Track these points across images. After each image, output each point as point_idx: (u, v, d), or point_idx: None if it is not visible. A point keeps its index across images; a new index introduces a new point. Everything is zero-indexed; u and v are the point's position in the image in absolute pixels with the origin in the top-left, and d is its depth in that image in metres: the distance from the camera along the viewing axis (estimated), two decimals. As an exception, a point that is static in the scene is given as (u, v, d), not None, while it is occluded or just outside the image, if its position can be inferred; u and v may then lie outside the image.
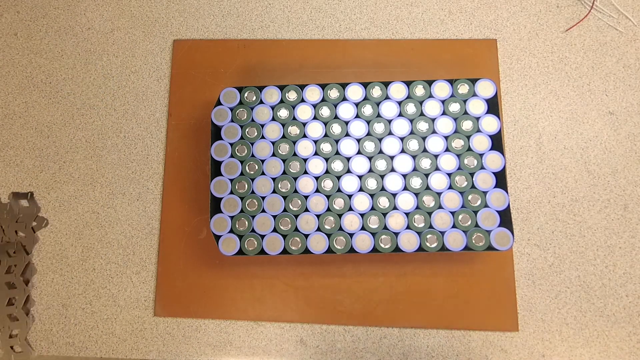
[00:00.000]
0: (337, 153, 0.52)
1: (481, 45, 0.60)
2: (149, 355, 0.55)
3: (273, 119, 0.53)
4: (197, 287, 0.56)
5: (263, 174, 0.51)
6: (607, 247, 0.55)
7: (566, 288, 0.54)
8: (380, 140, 0.52)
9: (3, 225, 0.58)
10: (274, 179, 0.51)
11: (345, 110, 0.52)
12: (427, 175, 0.50)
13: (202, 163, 0.58)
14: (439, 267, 0.55)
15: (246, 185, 0.51)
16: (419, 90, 0.52)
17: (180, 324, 0.56)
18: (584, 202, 0.56)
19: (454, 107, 0.52)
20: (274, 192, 0.51)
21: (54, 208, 0.59)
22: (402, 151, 0.51)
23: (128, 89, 0.62)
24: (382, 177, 0.51)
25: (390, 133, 0.52)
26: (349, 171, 0.51)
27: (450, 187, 0.50)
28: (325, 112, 0.52)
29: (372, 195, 0.50)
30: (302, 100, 0.53)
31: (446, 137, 0.51)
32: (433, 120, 0.52)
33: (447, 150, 0.51)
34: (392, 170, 0.51)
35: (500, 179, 0.50)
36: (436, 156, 0.51)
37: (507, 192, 0.49)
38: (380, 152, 0.52)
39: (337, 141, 0.52)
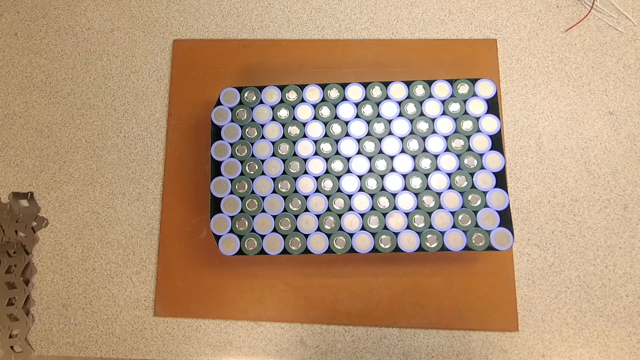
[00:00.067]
0: (337, 153, 0.52)
1: (481, 45, 0.60)
2: (149, 355, 0.55)
3: (273, 119, 0.53)
4: (197, 287, 0.56)
5: (263, 174, 0.51)
6: (607, 247, 0.55)
7: (566, 288, 0.54)
8: (380, 140, 0.52)
9: (3, 225, 0.58)
10: (274, 179, 0.51)
11: (345, 110, 0.52)
12: (427, 175, 0.51)
13: (202, 163, 0.58)
14: (439, 267, 0.55)
15: (246, 185, 0.51)
16: (419, 90, 0.52)
17: (180, 324, 0.56)
18: (584, 202, 0.56)
19: (454, 107, 0.52)
20: (274, 192, 0.51)
21: (54, 208, 0.59)
22: (402, 151, 0.51)
23: (128, 89, 0.62)
24: (382, 177, 0.51)
25: (390, 133, 0.52)
26: (349, 171, 0.51)
27: (450, 187, 0.50)
28: (325, 112, 0.52)
29: (372, 195, 0.50)
30: (302, 100, 0.53)
31: (446, 137, 0.51)
32: (433, 120, 0.52)
33: (447, 150, 0.51)
34: (392, 170, 0.51)
35: (500, 179, 0.50)
36: (436, 156, 0.51)
37: (507, 192, 0.49)
38: (380, 152, 0.52)
39: (337, 141, 0.52)
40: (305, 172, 0.51)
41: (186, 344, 0.55)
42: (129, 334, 0.56)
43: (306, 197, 0.51)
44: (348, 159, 0.52)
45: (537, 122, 0.58)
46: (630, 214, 0.55)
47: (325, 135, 0.52)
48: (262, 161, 0.52)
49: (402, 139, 0.52)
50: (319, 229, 0.50)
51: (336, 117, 0.52)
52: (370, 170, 0.51)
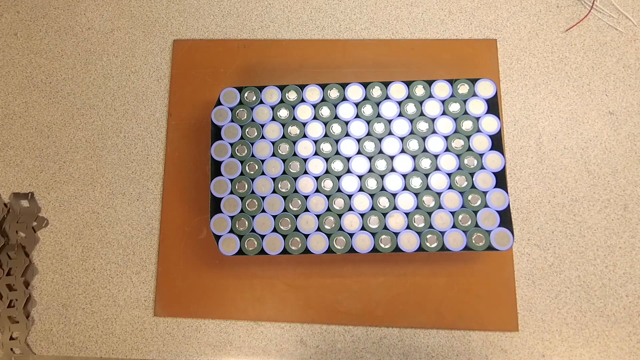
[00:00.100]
0: (337, 153, 0.52)
1: (481, 45, 0.60)
2: (149, 355, 0.55)
3: (273, 119, 0.53)
4: (197, 287, 0.56)
5: (263, 174, 0.51)
6: (607, 247, 0.55)
7: (566, 288, 0.54)
8: (380, 140, 0.52)
9: (4, 226, 0.58)
10: (274, 179, 0.51)
11: (345, 110, 0.52)
12: (427, 175, 0.51)
13: (202, 163, 0.58)
14: (439, 267, 0.55)
15: (246, 185, 0.51)
16: (419, 90, 0.52)
17: (180, 324, 0.56)
18: (584, 202, 0.56)
19: (454, 107, 0.52)
20: (274, 192, 0.51)
21: (54, 208, 0.59)
22: (402, 151, 0.51)
23: (128, 89, 0.62)
24: (382, 177, 0.51)
25: (390, 133, 0.52)
26: (349, 171, 0.51)
27: (450, 187, 0.50)
28: (325, 112, 0.52)
29: (372, 195, 0.50)
30: (302, 100, 0.53)
31: (446, 137, 0.51)
32: (433, 120, 0.52)
33: (447, 150, 0.51)
34: (392, 170, 0.51)
35: (500, 179, 0.50)
36: (436, 156, 0.51)
37: (507, 192, 0.49)
38: (380, 152, 0.52)
39: (337, 141, 0.52)
40: (305, 172, 0.51)
41: (186, 344, 0.55)
42: (129, 334, 0.56)
43: (306, 197, 0.51)
44: (348, 159, 0.52)
45: (537, 122, 0.58)
46: (630, 214, 0.55)
47: (325, 135, 0.52)
48: (262, 161, 0.52)
49: (402, 139, 0.52)
50: (319, 229, 0.50)
51: (336, 117, 0.52)
52: (370, 170, 0.51)
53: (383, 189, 0.51)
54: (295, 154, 0.52)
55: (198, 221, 0.57)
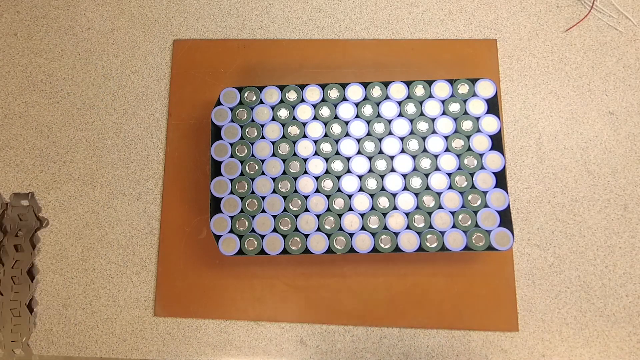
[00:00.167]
0: (337, 153, 0.52)
1: (481, 45, 0.60)
2: (149, 355, 0.55)
3: (273, 119, 0.53)
4: (197, 287, 0.56)
5: (263, 174, 0.52)
6: (607, 247, 0.55)
7: (566, 288, 0.54)
8: (380, 140, 0.52)
9: (4, 225, 0.58)
10: (274, 179, 0.51)
11: (345, 110, 0.52)
12: (427, 175, 0.51)
13: (202, 163, 0.58)
14: (439, 267, 0.55)
15: (246, 185, 0.51)
16: (419, 90, 0.52)
17: (180, 324, 0.56)
18: (584, 202, 0.56)
19: (454, 107, 0.52)
20: (274, 192, 0.51)
21: (54, 208, 0.59)
22: (402, 151, 0.51)
23: (128, 89, 0.62)
24: (382, 177, 0.51)
25: (390, 133, 0.52)
26: (349, 171, 0.51)
27: (450, 187, 0.50)
28: (325, 112, 0.52)
29: (372, 195, 0.50)
30: (302, 100, 0.53)
31: (446, 137, 0.51)
32: (433, 120, 0.52)
33: (447, 150, 0.51)
34: (392, 170, 0.51)
35: (500, 179, 0.50)
36: (436, 156, 0.51)
37: (507, 192, 0.49)
38: (380, 152, 0.52)
39: (337, 141, 0.52)
40: (305, 172, 0.51)
41: (186, 344, 0.55)
42: (129, 334, 0.56)
43: (306, 197, 0.51)
44: (348, 159, 0.52)
45: (537, 122, 0.58)
46: (630, 214, 0.55)
47: (325, 135, 0.52)
48: (262, 161, 0.52)
49: (402, 139, 0.52)
50: (319, 229, 0.50)
51: (336, 117, 0.53)
52: (370, 170, 0.51)
53: (383, 189, 0.51)
54: (295, 154, 0.52)
55: (198, 221, 0.57)
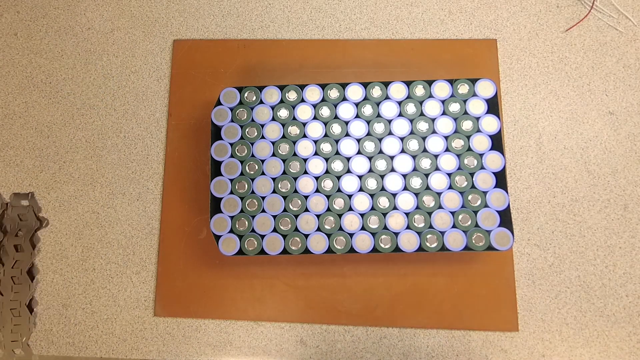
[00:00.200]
0: (337, 153, 0.52)
1: (481, 45, 0.60)
2: (149, 355, 0.55)
3: (273, 119, 0.53)
4: (197, 287, 0.56)
5: (263, 174, 0.52)
6: (607, 247, 0.55)
7: (566, 288, 0.54)
8: (380, 140, 0.52)
9: (4, 225, 0.58)
10: (274, 179, 0.51)
11: (345, 110, 0.52)
12: (427, 175, 0.51)
13: (202, 163, 0.59)
14: (439, 267, 0.55)
15: (246, 185, 0.51)
16: (419, 90, 0.52)
17: (180, 324, 0.56)
18: (584, 202, 0.56)
19: (454, 107, 0.52)
20: (274, 192, 0.51)
21: (54, 208, 0.59)
22: (402, 151, 0.51)
23: (128, 89, 0.62)
24: (382, 177, 0.51)
25: (390, 133, 0.52)
26: (349, 171, 0.51)
27: (450, 187, 0.50)
28: (325, 112, 0.52)
29: (372, 195, 0.50)
30: (302, 100, 0.53)
31: (446, 137, 0.51)
32: (433, 120, 0.52)
33: (447, 150, 0.51)
34: (392, 170, 0.51)
35: (500, 179, 0.50)
36: (436, 156, 0.51)
37: (507, 192, 0.49)
38: (380, 152, 0.52)
39: (337, 141, 0.52)
40: (305, 172, 0.51)
41: (186, 344, 0.55)
42: (129, 334, 0.56)
43: (306, 197, 0.51)
44: (348, 159, 0.52)
45: (537, 122, 0.58)
46: (630, 214, 0.55)
47: (325, 135, 0.52)
48: (262, 161, 0.52)
49: (402, 139, 0.52)
50: (319, 229, 0.50)
51: (336, 117, 0.53)
52: (370, 170, 0.51)
53: (383, 189, 0.51)
54: (295, 154, 0.52)
55: (198, 221, 0.57)
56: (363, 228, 0.50)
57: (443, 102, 0.52)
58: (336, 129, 0.52)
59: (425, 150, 0.51)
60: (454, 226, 0.49)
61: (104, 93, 0.62)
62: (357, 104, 0.53)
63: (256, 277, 0.55)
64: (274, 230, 0.50)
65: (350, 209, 0.50)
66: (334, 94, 0.53)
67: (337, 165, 0.51)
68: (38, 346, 0.56)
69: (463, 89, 0.52)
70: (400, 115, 0.52)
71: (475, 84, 0.52)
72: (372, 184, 0.51)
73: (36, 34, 0.64)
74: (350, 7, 0.62)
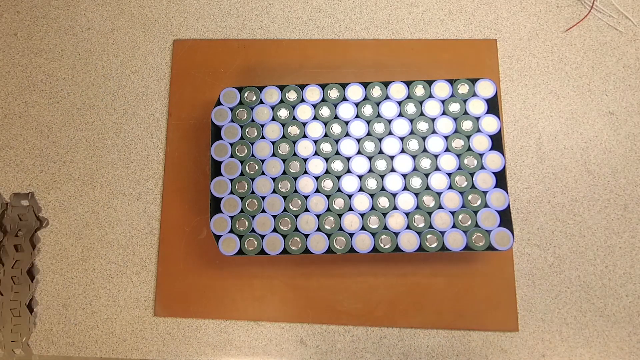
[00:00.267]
0: (337, 153, 0.52)
1: (481, 45, 0.60)
2: (149, 355, 0.55)
3: (273, 119, 0.53)
4: (197, 287, 0.56)
5: (263, 174, 0.52)
6: (607, 247, 0.55)
7: (566, 288, 0.54)
8: (380, 140, 0.52)
9: (5, 225, 0.58)
10: (274, 179, 0.51)
11: (345, 110, 0.52)
12: (427, 175, 0.51)
13: (202, 163, 0.58)
14: (439, 267, 0.55)
15: (246, 185, 0.51)
16: (419, 90, 0.52)
17: (180, 324, 0.56)
18: (584, 202, 0.56)
19: (454, 107, 0.52)
20: (274, 192, 0.51)
21: (54, 208, 0.59)
22: (402, 151, 0.51)
23: (128, 89, 0.62)
24: (382, 177, 0.51)
25: (390, 133, 0.52)
26: (349, 171, 0.51)
27: (450, 187, 0.50)
28: (325, 112, 0.52)
29: (372, 195, 0.50)
30: (302, 100, 0.53)
31: (446, 137, 0.51)
32: (433, 120, 0.52)
33: (447, 150, 0.51)
34: (392, 170, 0.51)
35: (500, 179, 0.50)
36: (436, 156, 0.51)
37: (507, 192, 0.49)
38: (380, 152, 0.52)
39: (337, 141, 0.52)
40: (305, 172, 0.51)
41: (186, 344, 0.55)
42: (129, 334, 0.56)
43: (306, 197, 0.51)
44: (348, 159, 0.52)
45: (537, 122, 0.58)
46: (630, 214, 0.55)
47: (325, 135, 0.52)
48: (262, 161, 0.52)
49: (402, 139, 0.52)
50: (319, 229, 0.50)
51: (336, 117, 0.53)
52: (370, 170, 0.51)
53: (383, 189, 0.51)
54: (295, 154, 0.52)
55: (198, 221, 0.57)
56: (363, 228, 0.50)
57: (443, 102, 0.52)
58: (336, 129, 0.52)
59: (425, 150, 0.51)
60: (454, 226, 0.49)
61: (104, 93, 0.62)
62: (357, 104, 0.53)
63: (256, 277, 0.55)
64: (274, 230, 0.50)
65: (350, 209, 0.50)
66: (334, 94, 0.53)
67: (337, 165, 0.51)
68: (38, 346, 0.56)
69: (463, 89, 0.52)
70: (400, 115, 0.52)
71: (475, 84, 0.52)
72: (372, 184, 0.51)
73: (36, 34, 0.64)
74: (350, 7, 0.62)
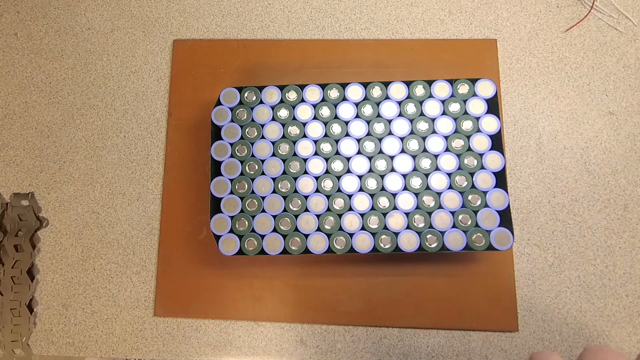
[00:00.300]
0: (337, 153, 0.52)
1: (481, 45, 0.60)
2: (149, 355, 0.55)
3: (273, 119, 0.53)
4: (197, 287, 0.56)
5: (263, 174, 0.52)
6: (607, 247, 0.55)
7: (566, 288, 0.54)
8: (380, 140, 0.52)
9: (4, 225, 0.58)
10: (274, 179, 0.51)
11: (345, 110, 0.52)
12: (427, 175, 0.51)
13: (202, 163, 0.58)
14: (439, 267, 0.55)
15: (246, 185, 0.51)
16: (419, 90, 0.52)
17: (180, 324, 0.56)
18: (584, 202, 0.56)
19: (454, 107, 0.52)
20: (274, 192, 0.51)
21: (54, 208, 0.59)
22: (402, 151, 0.51)
23: (128, 89, 0.62)
24: (382, 177, 0.51)
25: (390, 133, 0.52)
26: (349, 171, 0.51)
27: (450, 187, 0.50)
28: (325, 112, 0.52)
29: (372, 195, 0.50)
30: (302, 100, 0.53)
31: (446, 137, 0.51)
32: (433, 120, 0.52)
33: (447, 150, 0.51)
34: (392, 170, 0.51)
35: (500, 179, 0.50)
36: (436, 156, 0.51)
37: (507, 192, 0.49)
38: (380, 152, 0.52)
39: (337, 141, 0.52)
40: (305, 172, 0.51)
41: (186, 344, 0.55)
42: (129, 334, 0.56)
43: (306, 197, 0.51)
44: (348, 159, 0.52)
45: (537, 122, 0.58)
46: (630, 214, 0.55)
47: (325, 135, 0.52)
48: (262, 161, 0.52)
49: (402, 138, 0.52)
50: (319, 229, 0.50)
51: (336, 117, 0.53)
52: (370, 170, 0.51)
53: (383, 188, 0.51)
54: (295, 154, 0.52)
55: (198, 221, 0.57)
56: (363, 228, 0.50)
57: (443, 102, 0.52)
58: (336, 129, 0.52)
59: (425, 150, 0.51)
60: (454, 226, 0.49)
61: (104, 93, 0.62)
62: (357, 104, 0.53)
63: (256, 277, 0.55)
64: (274, 230, 0.50)
65: (350, 209, 0.50)
66: (333, 94, 0.53)
67: (337, 165, 0.51)
68: (38, 346, 0.56)
69: (463, 89, 0.52)
70: (400, 115, 0.52)
71: (475, 84, 0.52)
72: (372, 184, 0.51)
73: (36, 34, 0.64)
74: (350, 7, 0.62)
